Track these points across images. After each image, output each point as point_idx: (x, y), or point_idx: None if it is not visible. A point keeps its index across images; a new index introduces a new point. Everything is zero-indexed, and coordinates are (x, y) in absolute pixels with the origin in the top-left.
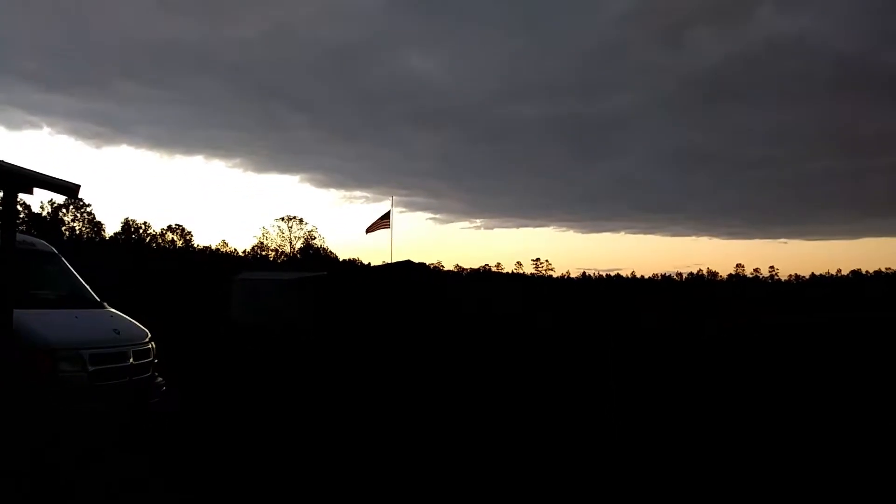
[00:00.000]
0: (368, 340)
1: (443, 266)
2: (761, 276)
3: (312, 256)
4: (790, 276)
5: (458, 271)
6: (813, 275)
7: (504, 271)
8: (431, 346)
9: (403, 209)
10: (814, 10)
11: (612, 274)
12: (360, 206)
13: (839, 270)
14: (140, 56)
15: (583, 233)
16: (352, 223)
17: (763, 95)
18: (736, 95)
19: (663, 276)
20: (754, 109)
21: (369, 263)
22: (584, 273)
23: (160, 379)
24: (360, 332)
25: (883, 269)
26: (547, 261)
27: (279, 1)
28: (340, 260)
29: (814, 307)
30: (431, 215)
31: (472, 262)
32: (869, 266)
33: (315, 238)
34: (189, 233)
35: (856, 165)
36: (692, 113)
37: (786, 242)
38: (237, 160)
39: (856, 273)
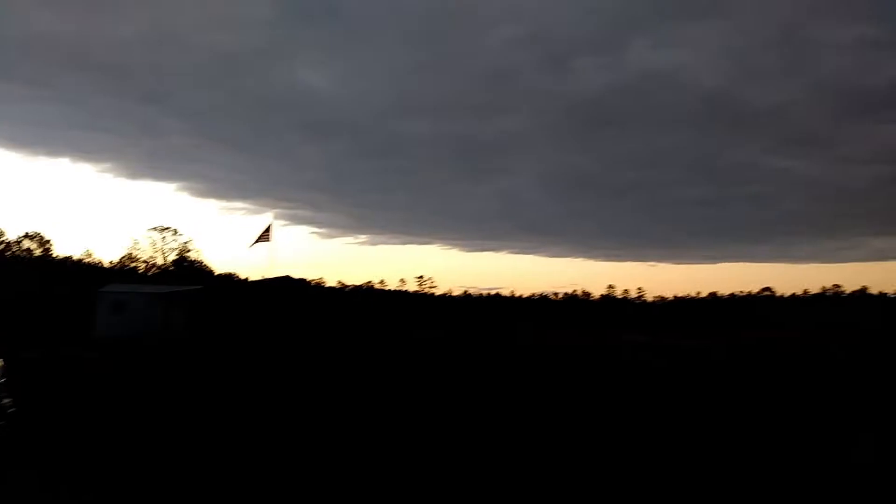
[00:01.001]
0: (245, 355)
1: (324, 282)
2: (629, 298)
3: (187, 270)
4: (656, 297)
5: (340, 288)
6: (676, 297)
7: (388, 288)
8: (309, 360)
9: (286, 222)
10: (685, 47)
11: (493, 293)
12: (240, 218)
13: (699, 293)
14: (4, 50)
15: (467, 251)
16: (231, 236)
17: (639, 125)
18: (615, 123)
19: (541, 295)
20: (631, 137)
21: (247, 279)
22: (465, 291)
23: (7, 400)
24: (237, 347)
25: (737, 293)
26: (430, 278)
27: (163, 2)
28: (217, 274)
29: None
30: (315, 229)
31: (355, 278)
32: (725, 289)
33: (190, 250)
34: (48, 241)
35: (718, 194)
36: (575, 138)
37: (654, 265)
38: (107, 165)
39: (713, 295)
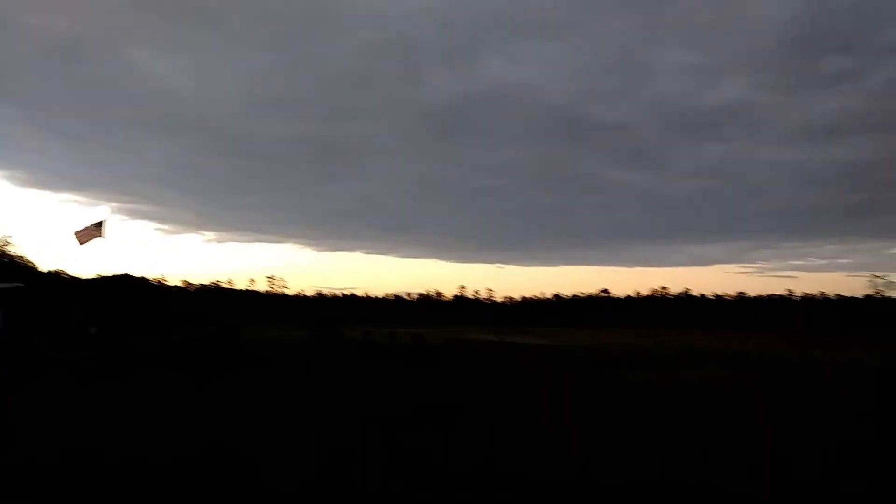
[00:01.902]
0: (73, 355)
1: (166, 281)
2: (480, 298)
3: (7, 266)
4: (505, 298)
5: (185, 287)
6: (523, 297)
7: (236, 288)
8: (145, 361)
9: (125, 217)
10: (534, 63)
11: (347, 293)
12: (71, 211)
13: (543, 293)
14: None
15: (320, 251)
16: (60, 229)
17: (491, 135)
18: (469, 132)
19: (395, 296)
20: (484, 146)
21: (77, 276)
22: (319, 292)
23: None
24: (64, 347)
25: (578, 294)
26: (282, 278)
27: None
28: (42, 270)
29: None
30: (159, 225)
31: (202, 277)
32: (567, 291)
33: (8, 244)
34: None
35: (562, 202)
36: (429, 145)
37: (502, 267)
38: None
39: (557, 296)
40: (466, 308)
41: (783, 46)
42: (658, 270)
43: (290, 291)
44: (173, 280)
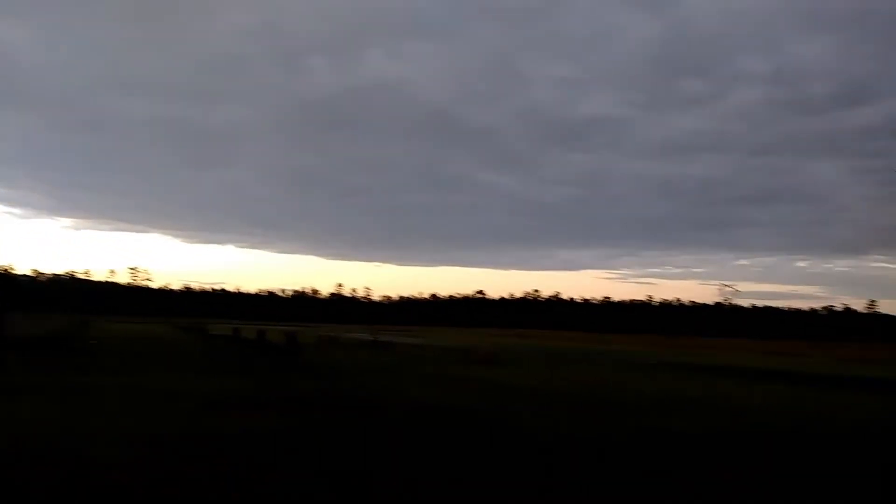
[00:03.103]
0: None
1: (13, 269)
2: (357, 297)
3: None
4: (382, 297)
5: (35, 277)
6: (401, 297)
7: (94, 279)
8: None
9: None
10: (414, 62)
11: (218, 288)
12: None
13: (421, 293)
14: None
15: (189, 242)
16: None
17: (368, 130)
18: (346, 126)
19: (269, 292)
20: (361, 141)
21: None
22: (186, 286)
23: None
24: None
25: (455, 295)
26: (146, 270)
27: None
28: None
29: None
30: (8, 209)
31: (55, 266)
32: (444, 291)
33: None
34: None
35: (438, 202)
36: (308, 136)
37: (380, 266)
38: None
39: (434, 296)
40: (343, 306)
41: (646, 66)
42: (531, 274)
43: (156, 284)
44: (22, 269)
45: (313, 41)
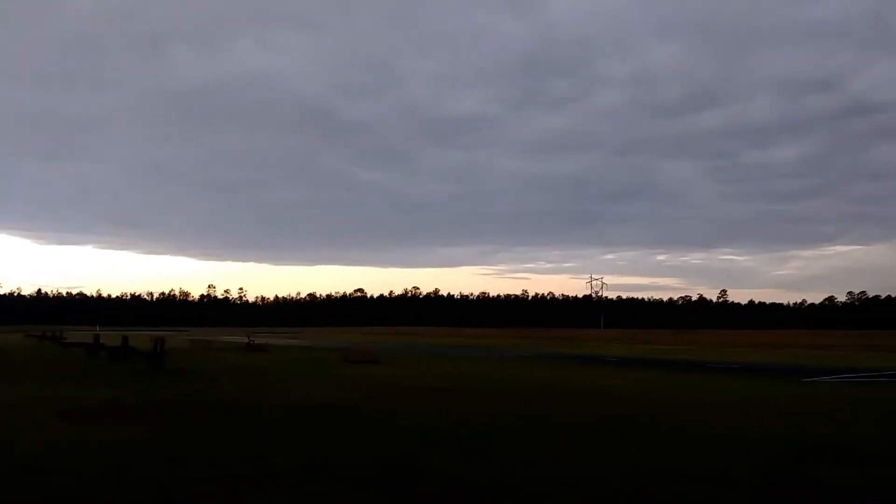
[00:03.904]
0: None
1: None
2: (231, 298)
3: None
4: (258, 298)
5: None
6: (277, 297)
7: None
8: None
9: None
10: (285, 53)
11: (75, 292)
12: None
13: (298, 293)
14: None
15: (41, 243)
16: None
17: (241, 123)
18: (216, 118)
19: (134, 295)
20: (232, 135)
21: None
22: (40, 290)
23: None
24: None
25: (334, 294)
26: None
27: None
28: None
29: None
30: None
31: None
32: (322, 290)
33: None
34: None
35: (315, 198)
36: (173, 128)
37: (255, 266)
38: None
39: (312, 296)
40: (216, 309)
41: (516, 66)
42: (411, 271)
43: (3, 290)
44: None
45: (179, 27)
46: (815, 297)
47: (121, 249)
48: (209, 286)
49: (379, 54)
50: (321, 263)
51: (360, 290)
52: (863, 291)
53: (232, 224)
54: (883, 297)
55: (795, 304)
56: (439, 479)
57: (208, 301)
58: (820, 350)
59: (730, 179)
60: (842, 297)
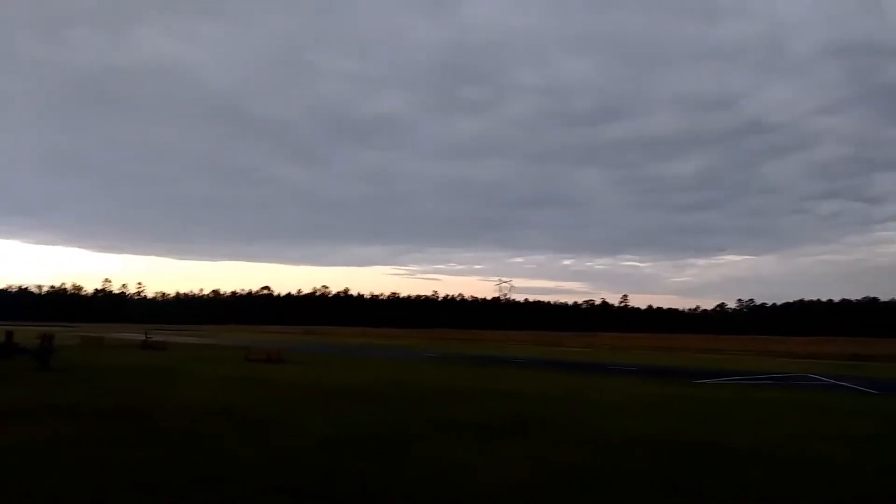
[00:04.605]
0: None
1: None
2: (128, 293)
3: None
4: (158, 293)
5: None
6: (179, 294)
7: None
8: None
9: None
10: (196, 43)
11: None
12: None
13: (202, 290)
14: None
15: None
16: None
17: (146, 113)
18: (120, 107)
19: (21, 288)
20: (137, 125)
21: None
22: None
23: None
24: None
25: (239, 291)
26: None
27: None
28: None
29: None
30: None
31: None
32: (228, 287)
33: None
34: None
35: (223, 194)
36: (71, 115)
37: (156, 259)
38: None
39: (216, 293)
40: (112, 304)
41: (432, 70)
42: (321, 269)
43: None
44: None
45: (81, 9)
46: (709, 304)
47: (7, 238)
48: (105, 280)
49: (294, 51)
50: (227, 259)
51: (267, 287)
52: (751, 299)
53: (133, 217)
54: (769, 304)
55: (690, 309)
56: (343, 483)
57: (103, 296)
58: (711, 354)
59: (634, 190)
60: (732, 304)
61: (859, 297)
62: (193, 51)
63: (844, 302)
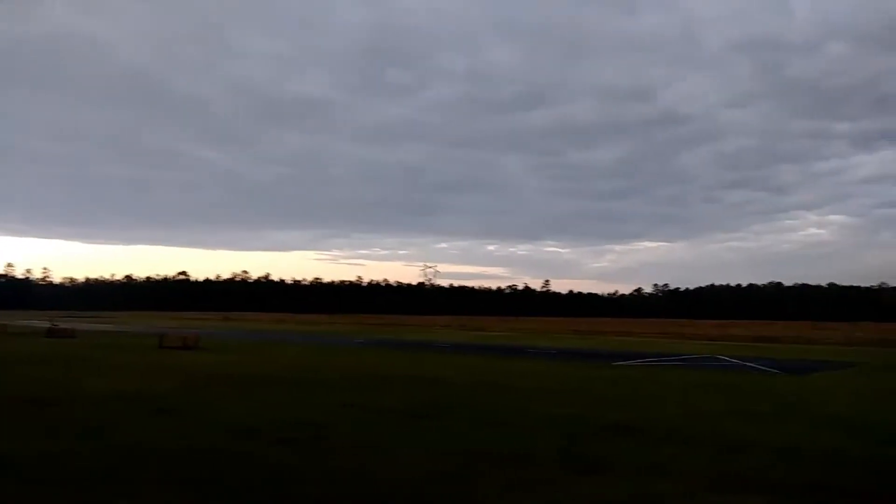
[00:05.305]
0: None
1: None
2: (33, 278)
3: None
4: (66, 279)
5: None
6: (89, 279)
7: None
8: None
9: None
10: (108, 16)
11: None
12: None
13: (114, 275)
14: None
15: None
16: None
17: (52, 89)
18: (21, 82)
19: None
20: (41, 102)
21: None
22: None
23: None
24: None
25: (154, 276)
26: None
27: None
28: None
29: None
30: None
31: None
32: (142, 272)
33: None
34: None
35: (139, 174)
36: None
37: (64, 243)
38: None
39: (129, 278)
40: (14, 289)
41: (357, 52)
42: (241, 254)
43: None
44: None
45: None
46: (626, 289)
47: None
48: (7, 265)
49: (214, 28)
50: (141, 243)
51: (185, 272)
52: (665, 284)
53: (38, 198)
54: (682, 289)
55: (609, 294)
56: (258, 472)
57: (6, 281)
58: (628, 336)
59: (555, 176)
60: (648, 289)
61: (765, 282)
62: (105, 23)
63: (751, 286)
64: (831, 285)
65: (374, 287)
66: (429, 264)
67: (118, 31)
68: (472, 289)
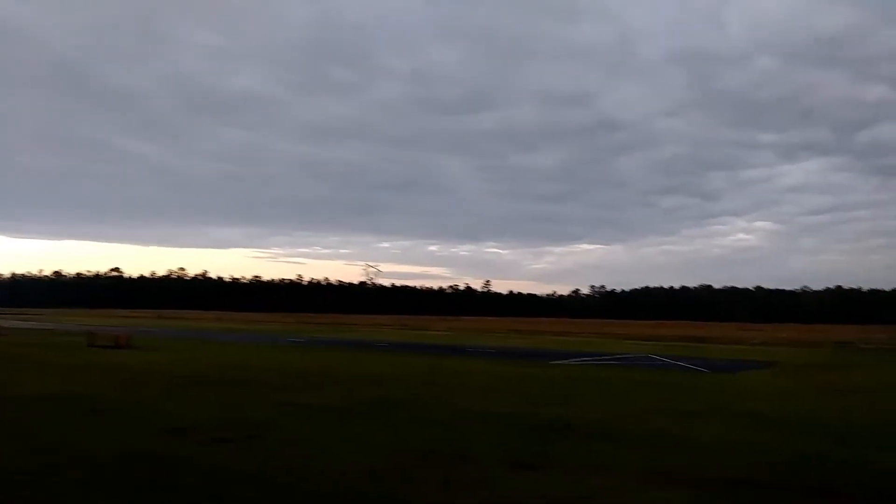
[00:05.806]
0: None
1: None
2: None
3: None
4: None
5: None
6: (14, 274)
7: None
8: None
9: None
10: (37, 3)
11: None
12: None
13: (41, 270)
14: None
15: None
16: None
17: None
18: None
19: None
20: None
21: None
22: None
23: None
24: None
25: (85, 272)
26: None
27: None
28: None
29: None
30: None
31: None
32: (71, 268)
33: None
34: None
35: (68, 167)
36: None
37: None
38: None
39: (57, 274)
40: None
41: (299, 48)
42: (177, 251)
43: None
44: None
45: None
46: (564, 290)
47: None
48: None
49: (148, 18)
50: (70, 238)
51: (117, 269)
52: (602, 285)
53: None
54: (618, 290)
55: (548, 294)
56: (191, 473)
57: None
58: (566, 336)
59: (497, 178)
60: (585, 290)
61: (696, 285)
62: (29, 9)
63: (683, 288)
64: (758, 288)
65: (315, 286)
66: (370, 263)
67: (46, 18)
68: (414, 288)
